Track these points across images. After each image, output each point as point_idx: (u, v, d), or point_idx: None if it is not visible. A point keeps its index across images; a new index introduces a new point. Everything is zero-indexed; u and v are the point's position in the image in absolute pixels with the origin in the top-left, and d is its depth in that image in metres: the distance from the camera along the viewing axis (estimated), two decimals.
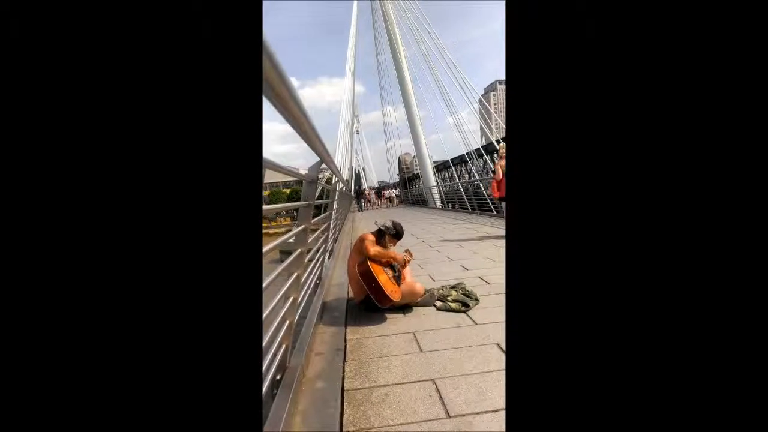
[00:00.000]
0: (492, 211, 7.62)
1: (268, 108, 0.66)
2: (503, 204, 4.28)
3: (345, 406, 1.21)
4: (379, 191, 21.83)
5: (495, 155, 5.66)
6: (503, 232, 4.71)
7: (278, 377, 1.21)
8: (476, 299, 2.17)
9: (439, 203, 14.49)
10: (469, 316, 1.97)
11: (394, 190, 22.53)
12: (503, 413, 1.11)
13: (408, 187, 26.89)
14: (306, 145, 1.19)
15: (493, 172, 4.50)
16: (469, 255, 3.64)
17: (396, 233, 2.27)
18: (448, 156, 20.02)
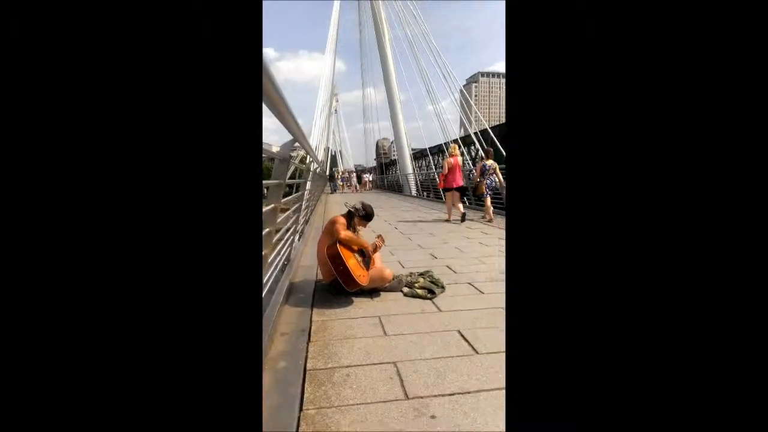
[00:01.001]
0: (465, 203, 7.84)
1: None
2: (444, 193, 5.65)
3: (306, 385, 1.23)
4: (359, 176, 21.35)
5: (446, 153, 6.65)
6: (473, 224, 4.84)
7: None
8: (442, 287, 2.23)
9: (414, 191, 14.59)
10: (434, 303, 2.03)
11: (368, 175, 22.35)
12: (459, 397, 1.17)
13: (384, 173, 26.85)
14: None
15: (441, 167, 5.61)
16: (440, 244, 3.72)
17: (365, 215, 2.27)
18: (426, 144, 20.10)
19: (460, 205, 5.33)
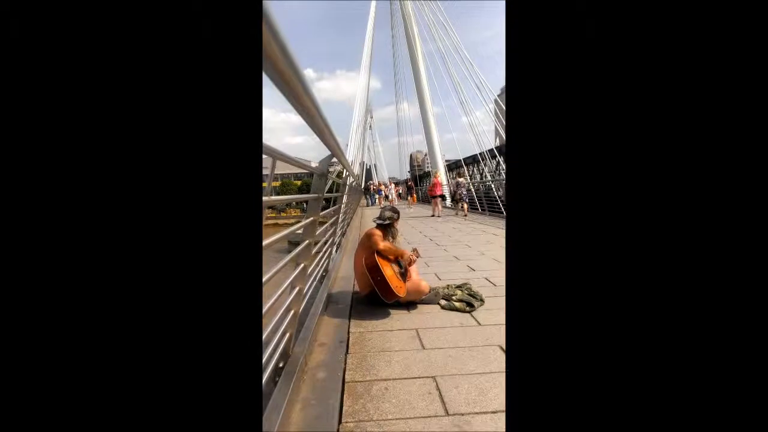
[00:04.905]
0: (501, 213, 7.95)
1: (282, 100, 0.67)
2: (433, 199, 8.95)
3: (345, 397, 1.23)
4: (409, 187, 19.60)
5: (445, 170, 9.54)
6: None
7: (281, 365, 1.23)
8: (481, 300, 2.16)
9: (449, 202, 14.44)
10: (473, 316, 1.97)
11: (395, 188, 19.47)
12: (503, 415, 1.12)
13: (418, 185, 26.86)
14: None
15: (474, 176, 8.81)
16: (477, 255, 3.63)
17: (398, 216, 2.38)
18: (460, 155, 19.86)
19: (439, 207, 8.76)
